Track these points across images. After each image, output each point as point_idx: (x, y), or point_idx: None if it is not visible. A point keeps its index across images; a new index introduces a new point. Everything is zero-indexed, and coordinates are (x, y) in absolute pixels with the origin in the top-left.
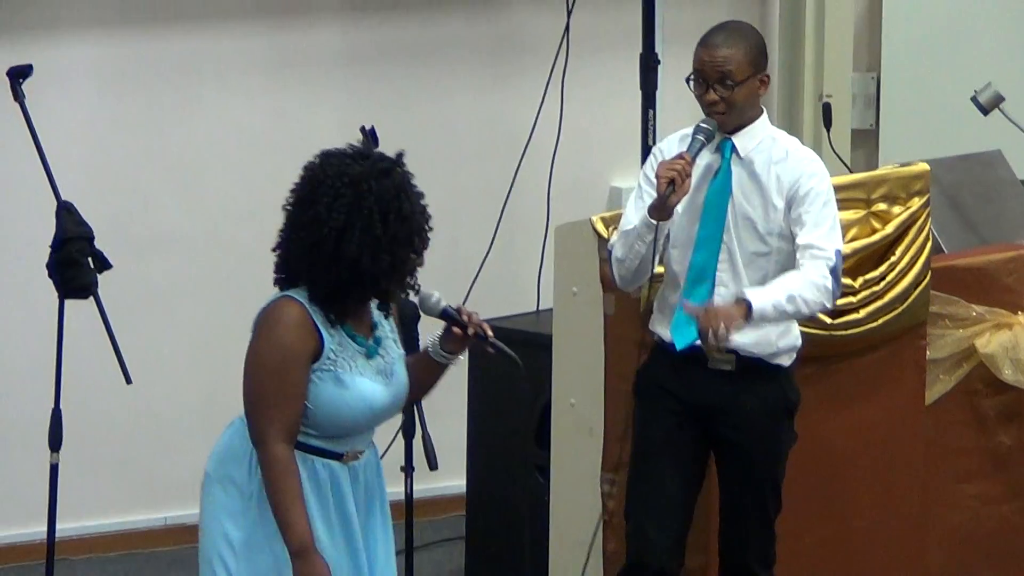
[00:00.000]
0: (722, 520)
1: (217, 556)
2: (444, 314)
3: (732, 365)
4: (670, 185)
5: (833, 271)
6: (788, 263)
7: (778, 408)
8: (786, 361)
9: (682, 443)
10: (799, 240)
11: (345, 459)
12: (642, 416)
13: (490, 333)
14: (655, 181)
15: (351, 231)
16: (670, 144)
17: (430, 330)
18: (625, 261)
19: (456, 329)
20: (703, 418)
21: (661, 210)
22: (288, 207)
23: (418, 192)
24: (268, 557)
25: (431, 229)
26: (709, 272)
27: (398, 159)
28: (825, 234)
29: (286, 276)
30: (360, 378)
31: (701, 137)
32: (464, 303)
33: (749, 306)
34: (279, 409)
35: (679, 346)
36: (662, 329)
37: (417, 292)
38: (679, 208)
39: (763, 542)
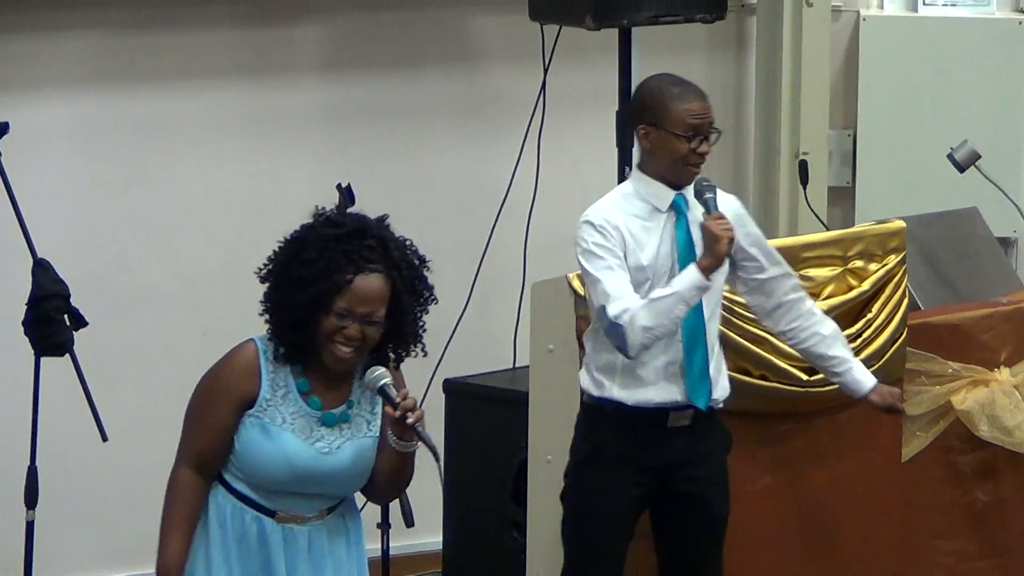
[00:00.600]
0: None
1: None
2: (380, 390)
3: (689, 419)
4: (731, 243)
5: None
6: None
7: (725, 446)
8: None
9: (635, 515)
10: (785, 268)
11: (278, 518)
12: (598, 488)
13: (411, 419)
14: (613, 249)
15: (276, 285)
16: (607, 214)
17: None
18: (657, 328)
19: (387, 408)
20: (659, 479)
21: (714, 270)
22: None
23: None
24: None
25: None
26: (700, 332)
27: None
28: (784, 263)
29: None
30: (287, 434)
31: (713, 195)
32: (441, 360)
33: None
34: (195, 436)
35: (704, 405)
36: (621, 392)
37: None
38: (644, 261)
39: None
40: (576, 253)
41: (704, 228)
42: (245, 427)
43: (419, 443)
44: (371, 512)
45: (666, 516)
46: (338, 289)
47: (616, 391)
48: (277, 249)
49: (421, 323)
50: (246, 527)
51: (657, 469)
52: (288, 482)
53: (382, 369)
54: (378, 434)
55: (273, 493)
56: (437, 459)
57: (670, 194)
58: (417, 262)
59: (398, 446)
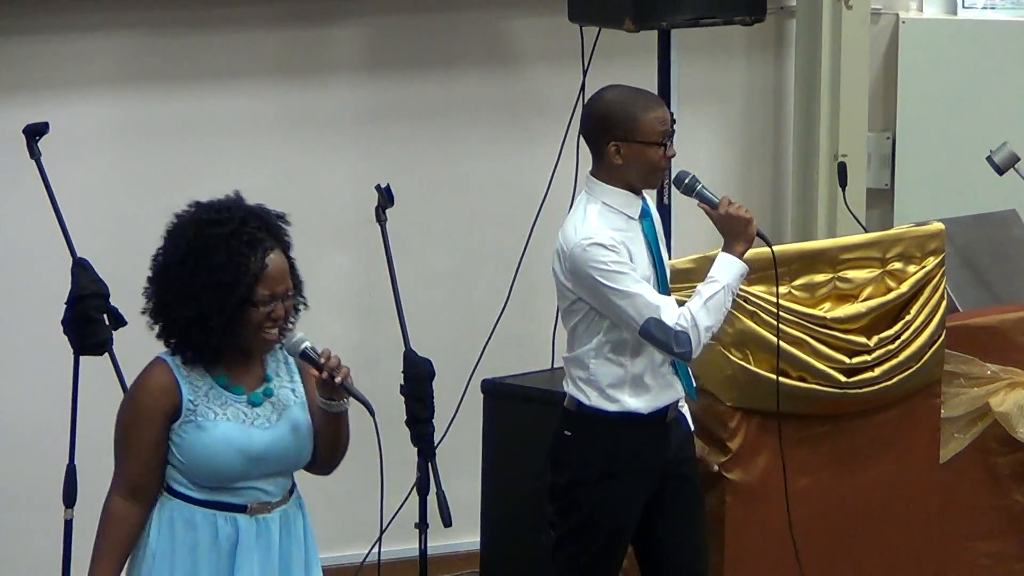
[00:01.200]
0: (675, 550)
1: None
2: (303, 355)
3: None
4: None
5: None
6: None
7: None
8: None
9: (637, 523)
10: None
11: (250, 511)
12: (616, 499)
13: (339, 378)
14: (627, 262)
15: (163, 269)
16: (604, 233)
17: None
18: (715, 326)
19: (313, 371)
20: (660, 476)
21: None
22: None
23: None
24: None
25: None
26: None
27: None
28: None
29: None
30: (224, 423)
31: (702, 185)
32: (479, 360)
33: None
34: (125, 463)
35: (696, 397)
36: (638, 402)
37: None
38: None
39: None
40: (588, 279)
41: (726, 217)
42: (182, 436)
43: (349, 401)
44: (408, 512)
45: (663, 503)
46: (257, 280)
47: (631, 402)
48: (163, 264)
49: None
50: (219, 534)
51: (661, 469)
52: (245, 469)
53: (300, 334)
54: (304, 398)
55: (238, 488)
56: (372, 414)
57: (638, 201)
58: (282, 224)
59: (327, 407)
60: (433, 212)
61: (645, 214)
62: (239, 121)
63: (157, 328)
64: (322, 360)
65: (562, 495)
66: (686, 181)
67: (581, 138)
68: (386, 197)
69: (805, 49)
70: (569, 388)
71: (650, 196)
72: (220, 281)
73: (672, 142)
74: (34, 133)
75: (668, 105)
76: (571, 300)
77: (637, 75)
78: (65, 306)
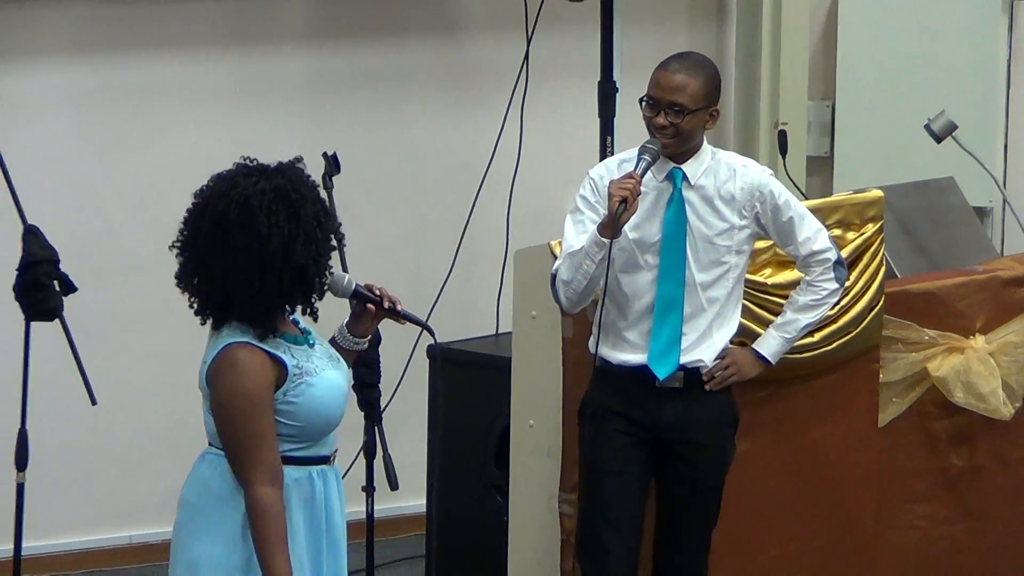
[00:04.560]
0: (661, 534)
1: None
2: (356, 294)
3: (681, 382)
4: (622, 203)
5: (837, 263)
6: (741, 276)
7: (724, 420)
8: None
9: (632, 462)
10: (800, 251)
11: (331, 460)
12: (591, 437)
13: (399, 305)
14: (594, 204)
15: (295, 240)
16: (608, 168)
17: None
18: (572, 283)
19: (369, 306)
20: (652, 435)
21: (612, 228)
22: (204, 241)
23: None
24: None
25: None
26: (677, 302)
27: (298, 161)
28: (815, 233)
29: (220, 309)
30: (324, 372)
31: (647, 157)
32: (427, 321)
33: (767, 361)
34: (261, 453)
35: (662, 377)
36: (609, 352)
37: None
38: (629, 233)
39: (700, 555)
40: None
41: (608, 186)
42: (295, 400)
43: (367, 341)
44: (356, 475)
45: (661, 476)
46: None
47: (605, 349)
48: (221, 258)
49: None
50: (314, 488)
51: (646, 425)
52: (343, 410)
53: (345, 275)
54: None
55: (329, 435)
56: (432, 334)
57: (668, 164)
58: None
59: (353, 344)
60: (380, 179)
61: (674, 183)
62: (189, 88)
63: (205, 301)
64: (376, 293)
65: None
66: (642, 154)
67: (525, 104)
68: (332, 164)
69: (746, 17)
70: None
71: (748, 174)
72: (334, 221)
73: (661, 113)
74: None
75: (610, 74)
76: None
77: (580, 43)
78: (16, 272)
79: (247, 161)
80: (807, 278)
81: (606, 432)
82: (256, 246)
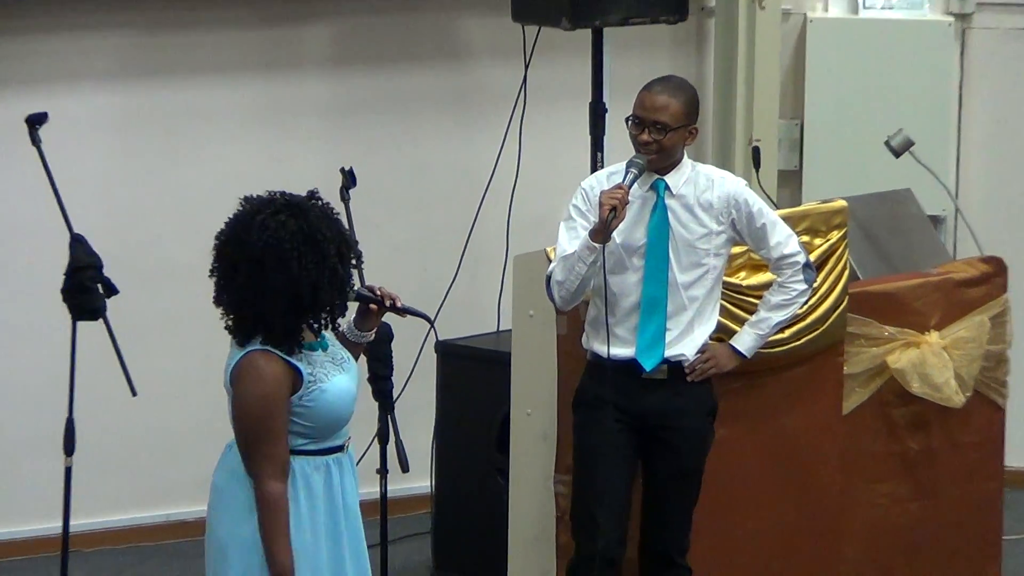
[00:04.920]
0: (647, 513)
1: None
2: (359, 296)
3: (665, 374)
4: (612, 211)
5: (806, 265)
6: (719, 278)
7: (704, 408)
8: None
9: (622, 446)
10: (772, 255)
11: (345, 448)
12: (584, 424)
13: (399, 301)
14: (585, 212)
15: (322, 279)
16: (598, 180)
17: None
18: (565, 283)
19: (372, 306)
20: (639, 422)
21: (603, 234)
22: (242, 275)
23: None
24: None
25: (357, 243)
26: (661, 301)
27: (314, 197)
28: (786, 239)
29: (253, 329)
30: (335, 377)
31: (635, 170)
32: (435, 320)
33: (742, 356)
34: (274, 450)
35: (648, 369)
36: (599, 346)
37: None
38: (617, 238)
39: (683, 531)
40: None
41: (599, 196)
42: (309, 405)
43: (372, 333)
44: (371, 459)
45: (647, 460)
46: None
47: (595, 344)
48: (295, 264)
49: None
50: (330, 475)
51: (634, 413)
52: (352, 409)
53: None
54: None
55: (341, 430)
56: (431, 323)
57: (652, 176)
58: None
59: (359, 337)
60: (392, 191)
61: (658, 193)
62: (220, 111)
63: (240, 322)
64: (378, 294)
65: None
66: (629, 167)
67: (524, 125)
68: (349, 178)
69: (723, 45)
70: None
71: (725, 185)
72: (355, 249)
73: (646, 130)
74: (35, 122)
75: (600, 97)
76: None
77: (573, 69)
78: (64, 277)
79: (274, 195)
80: (779, 279)
81: (598, 419)
82: (289, 287)
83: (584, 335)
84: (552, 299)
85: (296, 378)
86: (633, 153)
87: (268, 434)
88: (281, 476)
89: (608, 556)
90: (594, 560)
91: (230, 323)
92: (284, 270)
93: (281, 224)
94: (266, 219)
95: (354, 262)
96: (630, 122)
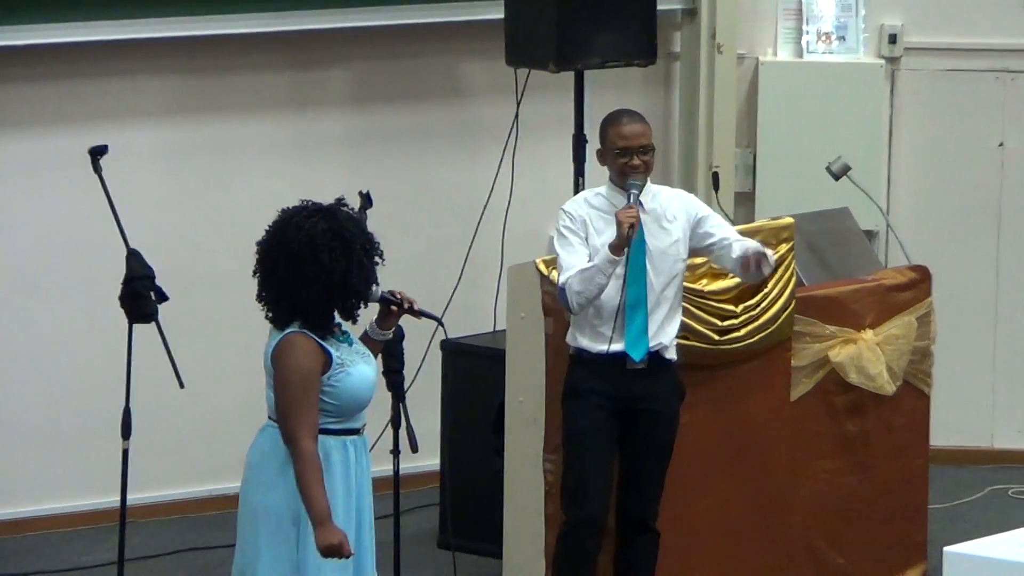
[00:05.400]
0: (627, 483)
1: (289, 523)
2: (383, 299)
3: (646, 363)
4: (631, 228)
5: None
6: (682, 281)
7: (676, 393)
8: (674, 355)
9: (607, 430)
10: (726, 238)
11: (361, 432)
12: (576, 411)
13: (416, 304)
14: (576, 230)
15: (351, 269)
16: (578, 204)
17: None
18: (584, 292)
19: (393, 307)
20: (622, 406)
21: (622, 247)
22: (279, 268)
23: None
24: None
25: (379, 244)
26: (642, 300)
27: (342, 203)
28: (731, 228)
29: (289, 316)
30: (359, 364)
31: (635, 191)
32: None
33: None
34: (306, 416)
35: (637, 359)
36: (587, 342)
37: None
38: (599, 246)
39: (656, 499)
40: (555, 229)
41: (616, 219)
42: (335, 384)
43: (392, 332)
44: (385, 441)
45: (627, 439)
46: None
47: (584, 341)
48: (326, 256)
49: None
50: (347, 455)
51: (619, 399)
52: (371, 396)
53: (374, 285)
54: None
55: (359, 413)
56: (441, 324)
57: (623, 196)
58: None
59: (381, 336)
60: (404, 211)
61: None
62: (255, 143)
63: (283, 313)
64: (398, 297)
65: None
66: (631, 183)
67: (516, 153)
68: (367, 200)
69: (687, 85)
70: None
71: (676, 197)
72: (378, 246)
73: (639, 156)
74: (97, 153)
75: (581, 129)
76: None
77: (558, 106)
78: (121, 286)
79: (305, 202)
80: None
81: (589, 407)
82: (322, 276)
83: (570, 334)
84: (568, 306)
85: (327, 359)
86: (606, 181)
87: (305, 400)
88: (314, 437)
89: (598, 524)
90: (585, 527)
91: (270, 314)
92: (317, 262)
93: (313, 225)
94: (300, 221)
95: (378, 259)
96: (613, 154)
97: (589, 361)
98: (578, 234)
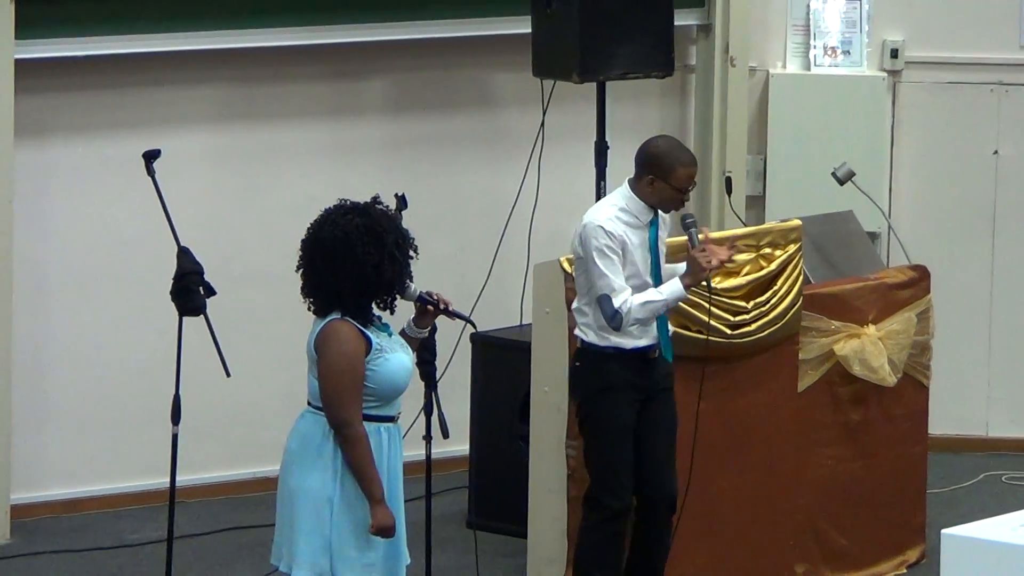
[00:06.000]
0: (654, 465)
1: (324, 504)
2: (420, 298)
3: (657, 355)
4: (711, 271)
5: None
6: None
7: (673, 376)
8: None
9: (633, 422)
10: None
11: (395, 420)
12: (611, 405)
13: (452, 306)
14: (616, 248)
15: (382, 262)
16: (609, 219)
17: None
18: (643, 321)
19: (429, 307)
20: (645, 395)
21: (695, 286)
22: (318, 262)
23: (400, 221)
24: (360, 513)
25: (414, 240)
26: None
27: (377, 202)
28: None
29: (328, 306)
30: (397, 351)
31: (695, 230)
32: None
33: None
34: (355, 397)
35: (670, 358)
36: (622, 340)
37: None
38: (639, 266)
39: (674, 473)
40: (588, 248)
41: (691, 258)
42: (375, 368)
43: (428, 330)
44: (418, 428)
45: (645, 425)
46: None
47: (619, 340)
48: (359, 250)
49: None
50: (381, 440)
51: (645, 388)
52: (407, 383)
53: (412, 284)
54: None
55: (395, 400)
56: (473, 325)
57: (651, 213)
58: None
59: (418, 333)
60: (436, 212)
61: (653, 223)
62: (297, 148)
63: (323, 304)
64: (435, 298)
65: (580, 409)
66: (687, 220)
67: (542, 159)
68: (402, 202)
69: (702, 95)
70: (577, 331)
71: (660, 218)
72: (411, 241)
73: (689, 193)
74: (150, 157)
75: (603, 136)
76: (577, 257)
77: (581, 114)
78: (172, 280)
79: (343, 201)
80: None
81: (624, 400)
82: (355, 268)
83: (593, 333)
84: (617, 326)
85: (367, 344)
86: (626, 184)
87: (353, 384)
88: (360, 420)
89: (630, 510)
90: (624, 514)
91: (312, 306)
92: (352, 255)
93: (349, 221)
94: (337, 218)
95: (412, 254)
96: (670, 189)
97: (623, 357)
98: (617, 252)
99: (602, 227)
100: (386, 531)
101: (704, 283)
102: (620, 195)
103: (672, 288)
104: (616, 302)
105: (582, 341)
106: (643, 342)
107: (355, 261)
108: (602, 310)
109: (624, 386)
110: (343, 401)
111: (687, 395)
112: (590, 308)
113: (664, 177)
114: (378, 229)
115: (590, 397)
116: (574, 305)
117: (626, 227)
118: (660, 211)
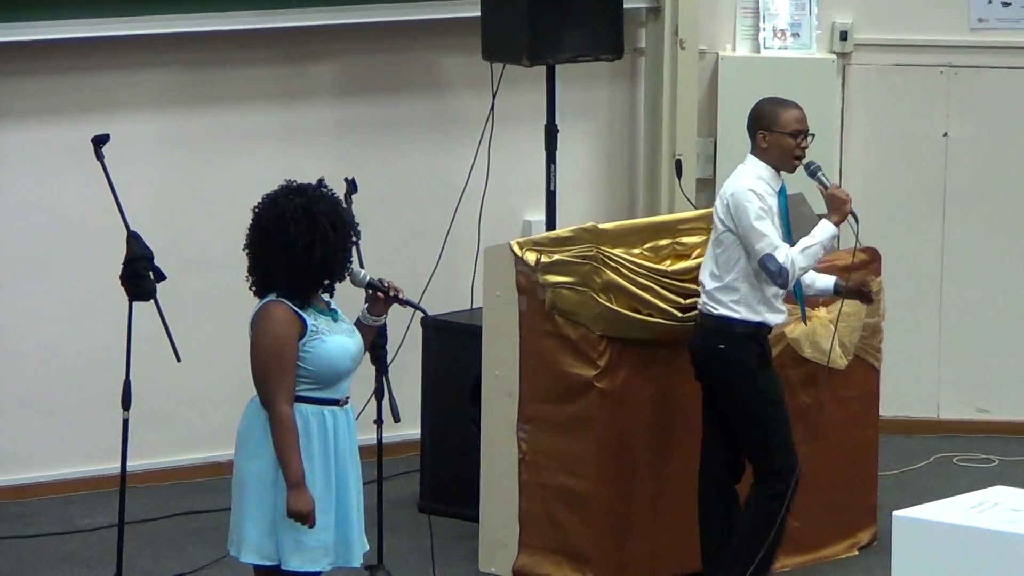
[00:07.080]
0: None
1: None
2: (369, 284)
3: None
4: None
5: None
6: None
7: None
8: None
9: None
10: None
11: (341, 404)
12: (770, 379)
13: (402, 294)
14: (769, 209)
15: (314, 243)
16: (757, 187)
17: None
18: (807, 268)
19: (379, 294)
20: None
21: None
22: (255, 241)
23: (344, 204)
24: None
25: (358, 225)
26: None
27: (321, 184)
28: None
29: (264, 286)
30: (336, 335)
31: (822, 172)
32: (420, 301)
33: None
34: (282, 380)
35: (805, 323)
36: (770, 315)
37: (349, 272)
38: (777, 221)
39: None
40: (743, 213)
41: (831, 196)
42: (310, 350)
43: (384, 318)
44: (369, 412)
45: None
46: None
47: (768, 315)
48: (278, 242)
49: None
50: (325, 423)
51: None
52: (349, 367)
53: (361, 270)
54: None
55: (338, 384)
56: (424, 313)
57: (779, 180)
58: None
59: (374, 321)
60: (387, 196)
61: (782, 192)
62: (246, 132)
63: (260, 284)
64: (385, 285)
65: (736, 389)
66: (811, 167)
67: (492, 142)
68: (352, 186)
69: (652, 78)
70: (719, 310)
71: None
72: (349, 228)
73: (806, 140)
74: (99, 142)
75: (552, 119)
76: (720, 231)
77: (531, 97)
78: (122, 265)
79: (288, 182)
80: None
81: (774, 374)
82: (287, 248)
83: (738, 311)
84: (788, 282)
85: (302, 327)
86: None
87: (279, 366)
88: (290, 402)
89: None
90: (796, 470)
91: (253, 286)
92: (283, 235)
93: (289, 201)
94: (277, 199)
95: (354, 237)
96: (784, 136)
97: (765, 333)
98: (770, 212)
99: (752, 190)
100: (301, 516)
101: (851, 214)
102: (750, 164)
103: (823, 228)
104: (780, 257)
105: (728, 320)
106: (782, 318)
107: (287, 241)
108: (767, 269)
109: (769, 360)
110: (268, 381)
111: (636, 378)
112: (743, 283)
113: (771, 127)
114: (313, 210)
115: (750, 375)
116: (715, 285)
117: (765, 193)
118: (785, 172)
